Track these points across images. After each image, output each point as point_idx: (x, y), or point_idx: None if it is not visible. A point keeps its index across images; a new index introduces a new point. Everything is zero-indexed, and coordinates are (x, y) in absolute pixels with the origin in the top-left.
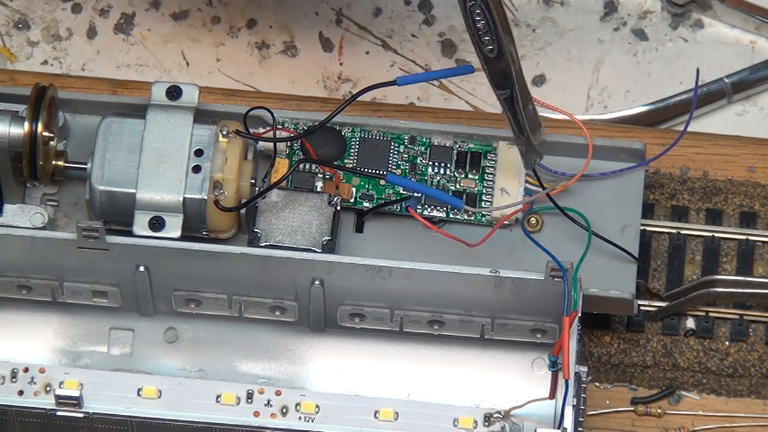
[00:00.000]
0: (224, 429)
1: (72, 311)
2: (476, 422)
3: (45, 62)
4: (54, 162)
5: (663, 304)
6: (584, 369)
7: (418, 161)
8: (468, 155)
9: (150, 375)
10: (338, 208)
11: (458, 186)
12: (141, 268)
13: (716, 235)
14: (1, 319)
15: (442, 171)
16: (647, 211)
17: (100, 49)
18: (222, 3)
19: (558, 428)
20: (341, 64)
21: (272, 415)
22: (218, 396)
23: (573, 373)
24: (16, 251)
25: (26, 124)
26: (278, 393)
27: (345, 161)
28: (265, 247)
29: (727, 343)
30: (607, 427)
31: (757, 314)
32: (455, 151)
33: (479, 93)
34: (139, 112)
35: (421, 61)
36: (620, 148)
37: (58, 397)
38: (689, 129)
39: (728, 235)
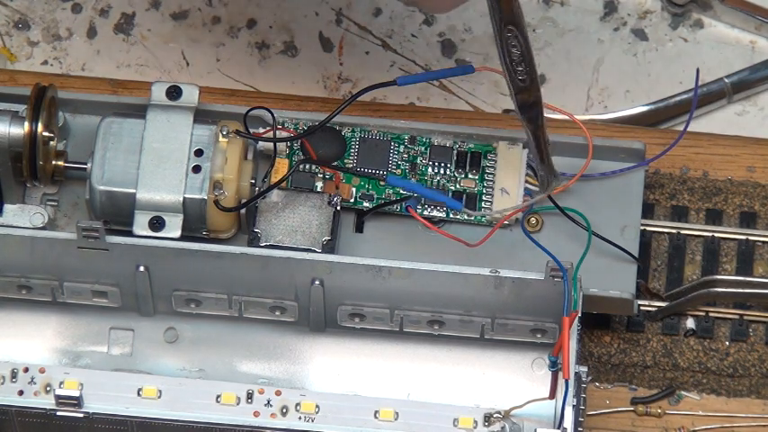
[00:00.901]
0: (224, 429)
1: (72, 311)
2: (476, 422)
3: (45, 62)
4: (54, 162)
5: (663, 304)
6: (584, 369)
7: (418, 161)
8: (468, 155)
9: (150, 375)
10: (338, 208)
11: (458, 186)
12: (141, 268)
13: (716, 235)
14: (1, 319)
15: (441, 171)
16: (647, 211)
17: (100, 49)
18: (222, 3)
19: (558, 428)
20: (341, 64)
21: (272, 415)
22: (218, 396)
23: (573, 373)
24: (16, 251)
25: (26, 124)
26: (278, 393)
27: (345, 161)
28: (265, 247)
29: (727, 343)
30: (607, 427)
31: (757, 314)
32: (455, 151)
33: (479, 93)
34: (139, 112)
35: (421, 61)
36: (620, 148)
37: (58, 397)
38: (689, 129)
39: (728, 235)
